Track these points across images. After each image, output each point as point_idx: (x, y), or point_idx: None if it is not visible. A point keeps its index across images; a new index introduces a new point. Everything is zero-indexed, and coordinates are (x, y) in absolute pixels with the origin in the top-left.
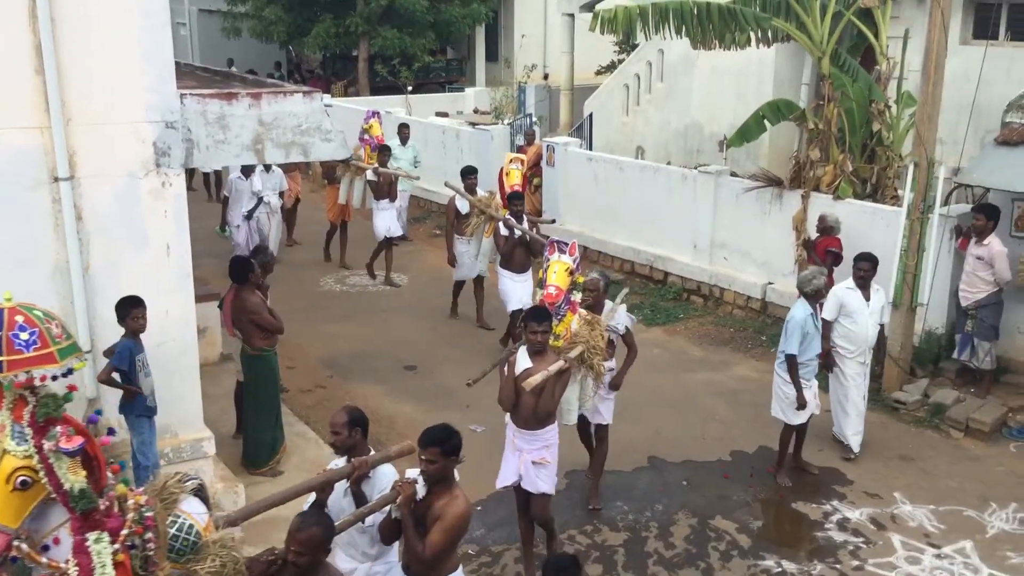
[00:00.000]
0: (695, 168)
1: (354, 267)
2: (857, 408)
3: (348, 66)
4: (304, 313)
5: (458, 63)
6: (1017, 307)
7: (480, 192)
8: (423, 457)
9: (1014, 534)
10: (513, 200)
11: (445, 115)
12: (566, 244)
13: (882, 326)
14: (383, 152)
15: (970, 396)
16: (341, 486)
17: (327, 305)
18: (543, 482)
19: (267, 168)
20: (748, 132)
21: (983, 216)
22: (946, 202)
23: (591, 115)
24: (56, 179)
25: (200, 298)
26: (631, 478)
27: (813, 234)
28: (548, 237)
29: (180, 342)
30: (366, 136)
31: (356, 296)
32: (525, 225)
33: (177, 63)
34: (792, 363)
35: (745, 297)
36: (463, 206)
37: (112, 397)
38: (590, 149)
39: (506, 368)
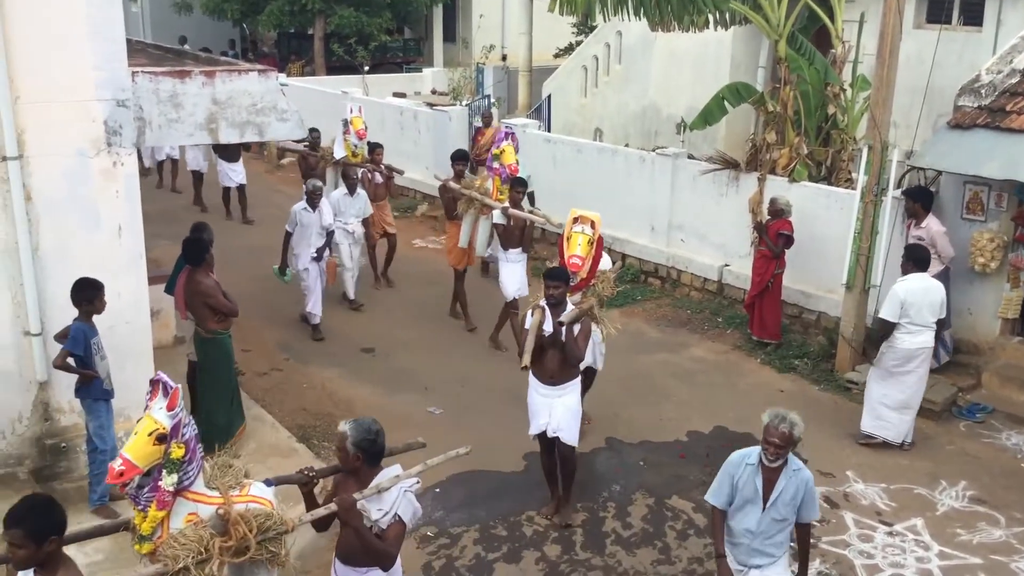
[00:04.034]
0: (653, 150)
1: (477, 326)
2: None
3: (304, 45)
4: (259, 295)
5: (415, 43)
6: (966, 289)
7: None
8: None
9: (963, 511)
10: (552, 279)
11: (403, 96)
12: (170, 388)
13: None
14: (517, 187)
15: None
16: None
17: (282, 287)
18: None
19: (351, 190)
20: (710, 115)
21: (911, 199)
22: (899, 185)
23: (549, 96)
24: (4, 158)
25: (153, 280)
26: (589, 459)
27: (766, 217)
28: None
29: (133, 325)
30: (496, 164)
31: None
32: (569, 314)
33: (129, 40)
34: (713, 515)
35: (702, 279)
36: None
37: (66, 380)
38: (548, 131)
39: None
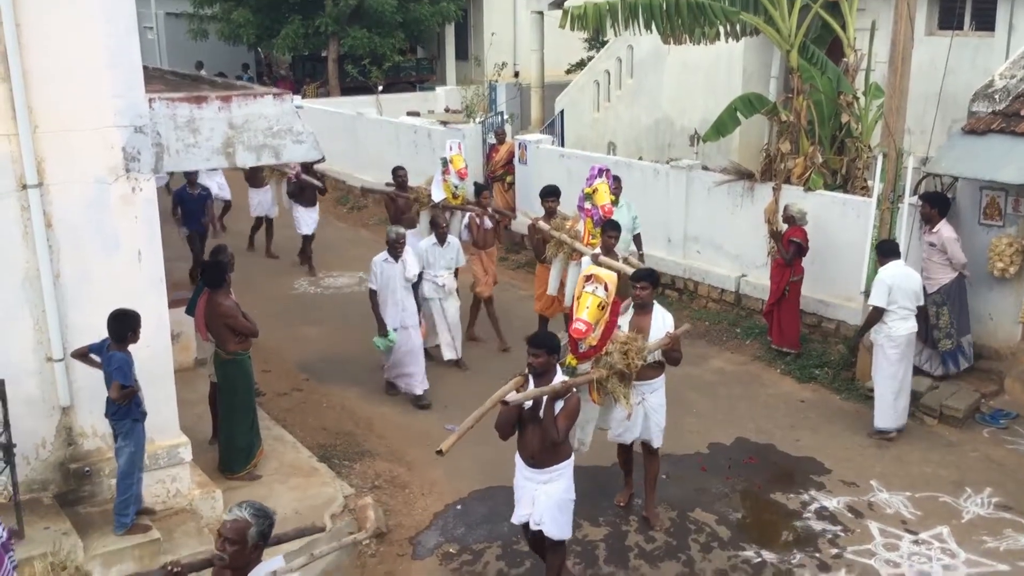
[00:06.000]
0: (667, 163)
1: None
2: None
3: (318, 67)
4: (278, 316)
5: (428, 62)
6: (986, 295)
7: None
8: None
9: (989, 518)
10: (533, 346)
11: (416, 114)
12: None
13: None
14: (610, 231)
15: (943, 384)
16: None
17: (301, 308)
18: None
19: (440, 240)
20: (722, 126)
21: (927, 204)
22: (915, 192)
23: (562, 112)
24: (24, 187)
25: (173, 303)
26: (610, 473)
27: (783, 226)
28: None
29: (154, 348)
30: (587, 204)
31: (330, 298)
32: (527, 393)
33: (145, 67)
34: None
35: (719, 290)
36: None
37: (89, 405)
38: (562, 146)
39: None
